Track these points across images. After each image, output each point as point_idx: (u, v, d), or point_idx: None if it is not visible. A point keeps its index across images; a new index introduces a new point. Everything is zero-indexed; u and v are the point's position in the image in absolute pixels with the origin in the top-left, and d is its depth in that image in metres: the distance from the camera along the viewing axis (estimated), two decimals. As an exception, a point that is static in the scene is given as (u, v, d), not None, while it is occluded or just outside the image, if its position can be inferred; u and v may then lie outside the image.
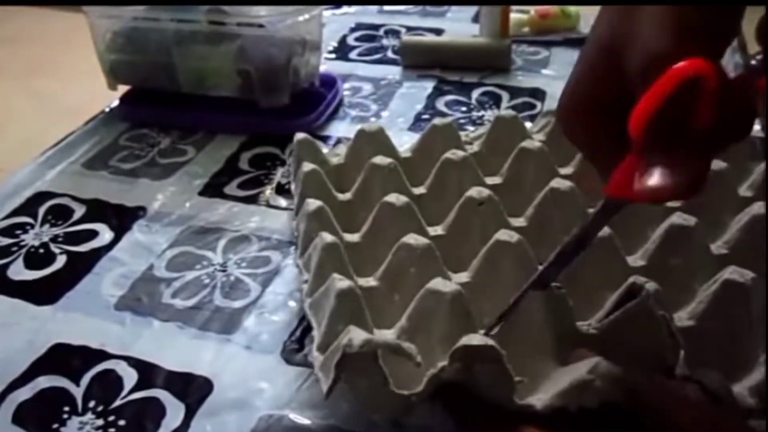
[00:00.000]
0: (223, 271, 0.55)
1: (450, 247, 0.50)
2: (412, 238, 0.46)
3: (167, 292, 0.53)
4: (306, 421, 0.43)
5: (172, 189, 0.65)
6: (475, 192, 0.51)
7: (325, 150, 0.63)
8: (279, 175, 0.66)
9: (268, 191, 0.64)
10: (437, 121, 0.61)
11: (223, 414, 0.43)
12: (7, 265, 0.56)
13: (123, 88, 0.78)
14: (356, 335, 0.36)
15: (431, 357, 0.39)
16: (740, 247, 0.49)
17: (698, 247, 0.48)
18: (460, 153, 0.56)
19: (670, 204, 0.53)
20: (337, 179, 0.58)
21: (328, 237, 0.46)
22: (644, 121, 0.29)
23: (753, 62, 0.38)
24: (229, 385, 0.45)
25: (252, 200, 0.63)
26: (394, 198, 0.51)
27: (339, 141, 0.71)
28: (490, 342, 0.36)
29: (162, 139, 0.73)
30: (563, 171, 0.57)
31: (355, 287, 0.42)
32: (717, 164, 0.53)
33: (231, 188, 0.65)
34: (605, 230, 0.46)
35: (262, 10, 0.68)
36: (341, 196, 0.56)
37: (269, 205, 0.62)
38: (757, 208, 0.49)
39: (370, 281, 0.48)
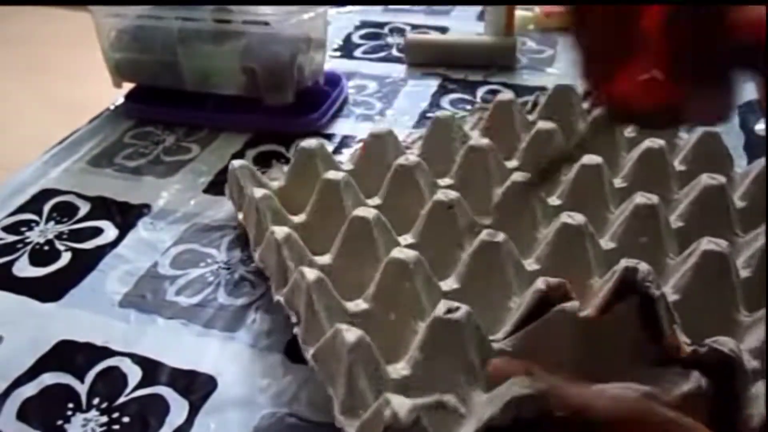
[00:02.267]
0: (228, 269, 0.55)
1: (426, 255, 0.46)
2: (401, 253, 0.44)
3: (171, 289, 0.53)
4: (309, 419, 0.43)
5: (177, 186, 0.65)
6: (442, 195, 0.50)
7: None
8: (283, 173, 0.66)
9: (273, 189, 0.64)
10: (375, 130, 0.59)
11: (226, 411, 0.43)
12: (12, 262, 0.56)
13: (128, 86, 0.78)
14: (399, 406, 0.33)
15: (455, 383, 0.38)
16: (694, 219, 0.51)
17: (662, 223, 0.49)
18: (413, 158, 0.54)
19: (624, 184, 0.56)
20: (282, 202, 0.54)
21: (311, 274, 0.42)
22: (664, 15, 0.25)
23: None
24: (233, 383, 0.45)
25: (256, 198, 0.63)
26: (364, 211, 0.48)
27: (344, 139, 0.71)
28: (531, 391, 0.34)
29: (167, 137, 0.73)
30: (509, 164, 0.58)
31: (365, 336, 0.38)
32: (654, 143, 0.56)
33: (235, 186, 0.64)
34: (580, 219, 0.47)
35: (267, 9, 0.68)
36: (296, 219, 0.54)
37: (273, 203, 0.62)
38: (704, 179, 0.51)
39: (361, 304, 0.44)
